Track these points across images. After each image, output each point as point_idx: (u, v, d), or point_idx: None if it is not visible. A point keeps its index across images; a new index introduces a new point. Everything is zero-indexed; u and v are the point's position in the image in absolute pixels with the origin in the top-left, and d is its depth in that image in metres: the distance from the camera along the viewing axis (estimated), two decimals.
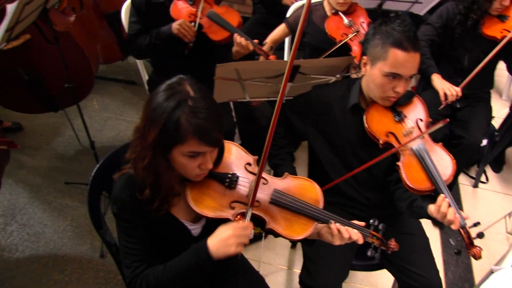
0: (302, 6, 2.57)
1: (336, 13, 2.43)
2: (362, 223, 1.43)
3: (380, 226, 1.43)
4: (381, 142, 1.66)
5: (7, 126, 3.28)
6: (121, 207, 1.32)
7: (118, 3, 3.03)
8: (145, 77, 2.73)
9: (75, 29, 2.78)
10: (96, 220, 1.61)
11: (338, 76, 2.09)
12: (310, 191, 1.44)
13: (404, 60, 1.57)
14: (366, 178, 1.81)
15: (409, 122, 1.70)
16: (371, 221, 1.44)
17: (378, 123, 1.68)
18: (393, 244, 1.44)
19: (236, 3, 4.64)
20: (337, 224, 1.36)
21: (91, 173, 1.62)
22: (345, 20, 2.40)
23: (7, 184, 2.88)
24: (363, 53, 1.70)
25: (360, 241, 1.38)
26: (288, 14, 2.71)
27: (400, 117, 1.70)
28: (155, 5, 2.32)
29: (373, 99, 1.72)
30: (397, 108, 1.72)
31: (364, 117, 1.69)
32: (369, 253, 1.42)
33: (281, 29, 2.66)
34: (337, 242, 1.37)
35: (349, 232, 1.35)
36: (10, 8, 1.80)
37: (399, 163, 1.62)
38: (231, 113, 2.70)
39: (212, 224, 1.40)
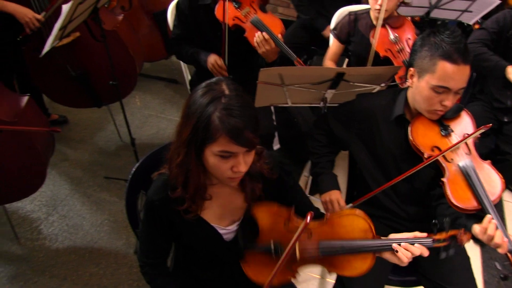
0: (347, 13, 2.54)
1: (383, 25, 2.37)
2: (424, 234, 1.33)
3: (446, 222, 1.33)
4: (425, 156, 1.60)
5: (54, 118, 3.38)
6: (150, 209, 1.35)
7: (165, 3, 3.07)
8: (187, 76, 2.75)
9: (122, 28, 2.83)
10: (132, 219, 1.63)
11: (383, 85, 2.05)
12: (357, 223, 1.36)
13: (453, 73, 1.51)
14: (407, 192, 1.76)
15: (456, 137, 1.64)
16: (433, 221, 1.34)
17: (423, 136, 1.63)
18: (465, 236, 1.31)
19: (281, 6, 4.63)
20: (402, 245, 1.29)
21: (130, 170, 1.64)
22: (391, 35, 2.34)
23: (51, 175, 2.97)
24: (410, 65, 1.65)
25: (426, 253, 1.30)
26: (332, 25, 2.67)
27: (446, 132, 1.64)
28: (200, 7, 2.34)
29: (419, 111, 1.67)
30: (444, 121, 1.66)
31: (409, 129, 1.64)
32: (443, 256, 1.33)
33: (333, 43, 2.62)
34: (405, 262, 1.31)
35: (412, 250, 1.29)
36: (65, 7, 1.86)
37: (444, 179, 1.56)
38: (272, 116, 2.69)
39: (245, 230, 1.40)
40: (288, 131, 2.87)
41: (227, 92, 1.16)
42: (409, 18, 2.47)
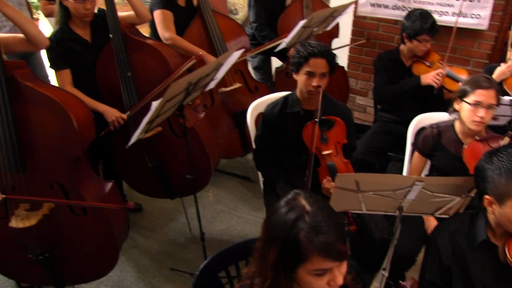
0: (429, 126, 2.48)
1: (482, 140, 2.27)
2: None
3: None
4: None
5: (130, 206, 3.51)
6: None
7: (246, 104, 3.23)
8: (261, 176, 2.78)
9: (201, 125, 2.97)
10: None
11: (464, 196, 1.95)
12: None
13: None
14: None
15: None
16: None
17: None
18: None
19: (358, 110, 4.70)
20: None
21: (197, 264, 1.62)
22: None
23: (120, 261, 2.98)
24: (483, 192, 1.56)
25: None
26: (409, 136, 2.63)
27: None
28: (288, 115, 2.44)
29: (507, 232, 1.54)
30: None
31: (507, 251, 1.51)
32: None
33: (415, 157, 2.53)
34: None
35: None
36: (154, 104, 2.01)
37: None
38: None
39: None
40: (360, 237, 2.76)
41: (308, 207, 1.15)
42: None
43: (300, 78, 2.36)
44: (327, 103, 2.46)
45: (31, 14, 4.23)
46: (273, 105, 2.52)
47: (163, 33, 3.25)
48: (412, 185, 1.84)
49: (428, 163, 2.56)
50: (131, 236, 3.20)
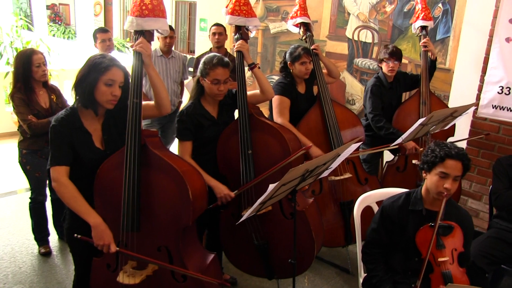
0: None
1: None
2: None
3: None
4: None
5: (225, 278, 3.53)
6: None
7: (354, 194, 3.20)
8: (361, 271, 2.68)
9: (310, 210, 2.97)
10: None
11: None
12: None
13: None
14: None
15: None
16: None
17: None
18: None
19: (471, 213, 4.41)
20: None
21: None
22: None
23: None
24: None
25: None
26: None
27: None
28: (409, 213, 2.40)
29: None
30: None
31: None
32: None
33: None
34: None
35: None
36: (271, 186, 2.08)
37: None
38: None
39: None
40: None
41: None
42: None
43: (431, 178, 2.34)
44: (450, 207, 2.40)
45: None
46: (394, 199, 2.49)
47: (277, 118, 3.42)
48: None
49: None
50: None
